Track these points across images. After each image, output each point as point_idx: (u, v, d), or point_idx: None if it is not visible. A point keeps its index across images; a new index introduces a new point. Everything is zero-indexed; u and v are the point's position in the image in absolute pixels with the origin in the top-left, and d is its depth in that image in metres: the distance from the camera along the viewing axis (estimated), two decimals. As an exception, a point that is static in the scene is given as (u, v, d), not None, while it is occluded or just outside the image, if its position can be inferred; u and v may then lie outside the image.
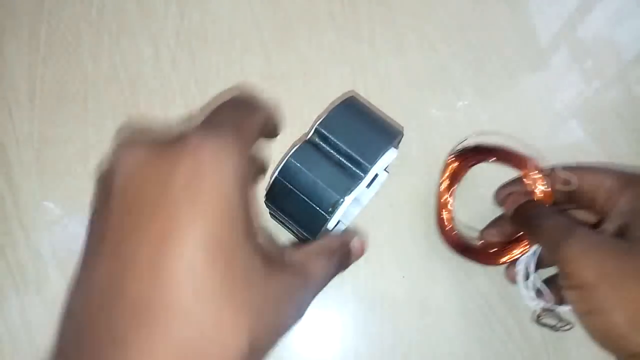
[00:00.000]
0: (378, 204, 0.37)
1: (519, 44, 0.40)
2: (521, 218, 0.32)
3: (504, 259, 0.34)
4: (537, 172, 0.33)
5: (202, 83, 0.39)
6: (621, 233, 0.28)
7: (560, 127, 0.39)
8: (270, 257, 0.20)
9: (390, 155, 0.30)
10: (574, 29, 0.40)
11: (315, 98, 0.39)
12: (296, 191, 0.29)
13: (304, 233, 0.30)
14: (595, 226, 0.31)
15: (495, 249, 0.34)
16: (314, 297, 0.23)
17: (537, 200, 0.33)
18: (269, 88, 0.39)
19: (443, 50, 0.40)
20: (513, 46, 0.40)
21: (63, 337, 0.18)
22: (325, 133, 0.29)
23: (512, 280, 0.33)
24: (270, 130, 0.25)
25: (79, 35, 0.40)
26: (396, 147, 0.33)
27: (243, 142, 0.20)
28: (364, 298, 0.36)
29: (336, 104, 0.30)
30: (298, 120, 0.39)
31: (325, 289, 0.36)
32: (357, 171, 0.29)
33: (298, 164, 0.28)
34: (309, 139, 0.30)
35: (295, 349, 0.36)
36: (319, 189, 0.28)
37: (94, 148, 0.38)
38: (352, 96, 0.32)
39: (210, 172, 0.18)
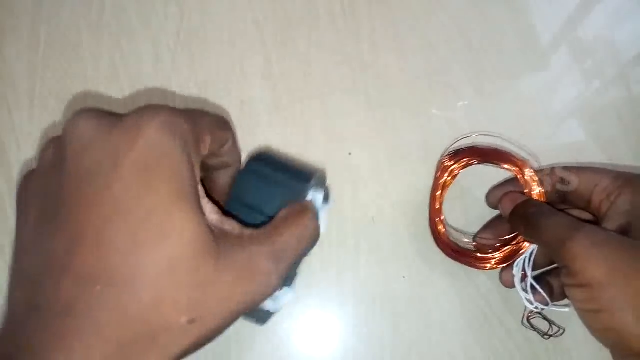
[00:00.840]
0: (378, 205, 0.37)
1: (519, 44, 0.40)
2: (520, 217, 0.31)
3: (497, 260, 0.34)
4: (531, 173, 0.33)
5: (202, 83, 0.39)
6: (622, 232, 0.27)
7: (560, 127, 0.39)
8: (225, 233, 0.21)
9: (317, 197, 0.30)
10: (574, 29, 0.40)
11: (315, 98, 0.39)
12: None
13: None
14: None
15: (490, 252, 0.34)
16: (290, 262, 0.23)
17: (535, 200, 0.33)
18: (269, 88, 0.39)
19: (443, 50, 0.40)
20: (513, 46, 0.40)
21: (14, 301, 0.19)
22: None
23: (507, 284, 0.33)
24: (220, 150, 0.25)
25: (79, 35, 0.40)
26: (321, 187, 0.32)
27: (192, 123, 0.20)
28: (364, 298, 0.36)
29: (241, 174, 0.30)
30: (298, 120, 0.39)
31: (325, 289, 0.36)
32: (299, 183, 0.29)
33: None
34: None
35: (295, 349, 0.36)
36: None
37: (94, 148, 0.38)
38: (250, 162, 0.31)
39: (159, 146, 0.19)
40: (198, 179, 0.21)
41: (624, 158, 0.38)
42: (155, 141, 0.19)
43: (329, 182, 0.37)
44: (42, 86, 0.39)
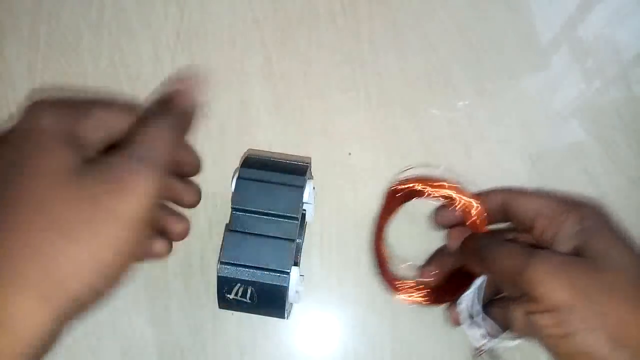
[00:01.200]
0: (379, 205, 0.37)
1: (519, 44, 0.40)
2: (470, 251, 0.31)
3: (445, 296, 0.33)
4: (473, 202, 0.33)
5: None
6: (576, 254, 0.27)
7: (560, 127, 0.39)
8: (93, 162, 0.23)
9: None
10: (574, 28, 0.40)
11: (315, 98, 0.39)
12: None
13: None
14: None
15: (438, 287, 0.33)
16: (164, 156, 0.24)
17: (482, 231, 0.32)
18: (269, 88, 0.39)
19: (443, 50, 0.40)
20: (513, 46, 0.40)
21: None
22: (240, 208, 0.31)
23: (456, 322, 0.31)
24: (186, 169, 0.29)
25: (79, 35, 0.40)
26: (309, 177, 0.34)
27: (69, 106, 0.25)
28: (364, 298, 0.36)
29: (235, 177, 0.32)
30: (298, 120, 0.39)
31: (325, 289, 0.36)
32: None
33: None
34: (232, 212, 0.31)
35: (296, 349, 0.36)
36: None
37: (94, 148, 0.38)
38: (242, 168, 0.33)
39: (32, 123, 0.24)
40: (74, 146, 0.23)
41: (624, 158, 0.38)
42: (29, 120, 0.24)
43: (328, 181, 0.37)
44: (42, 86, 0.39)
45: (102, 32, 0.40)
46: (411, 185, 0.35)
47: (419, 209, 0.36)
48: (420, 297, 0.33)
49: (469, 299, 0.30)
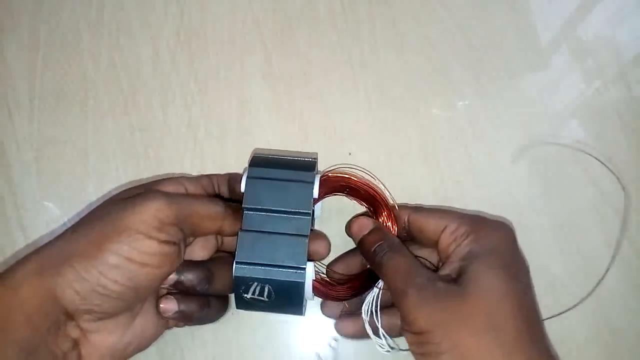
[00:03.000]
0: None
1: (519, 44, 0.40)
2: (366, 251, 0.31)
3: (340, 293, 0.32)
4: (386, 209, 0.33)
5: (202, 83, 0.39)
6: (457, 275, 0.28)
7: (560, 127, 0.39)
8: None
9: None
10: (574, 28, 0.40)
11: (315, 98, 0.39)
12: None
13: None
14: (438, 266, 0.32)
15: (344, 286, 0.33)
16: None
17: (382, 230, 0.32)
18: (269, 88, 0.39)
19: (443, 50, 0.40)
20: (513, 46, 0.40)
21: None
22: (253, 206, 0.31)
23: (348, 333, 0.33)
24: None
25: (79, 35, 0.40)
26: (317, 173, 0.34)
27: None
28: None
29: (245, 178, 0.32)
30: (297, 120, 0.39)
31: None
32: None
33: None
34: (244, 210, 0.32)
35: (296, 349, 0.36)
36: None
37: (94, 148, 0.38)
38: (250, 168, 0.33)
39: None
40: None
41: (624, 158, 0.38)
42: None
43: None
44: (42, 86, 0.39)
45: (102, 32, 0.40)
46: (343, 176, 0.34)
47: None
48: (328, 294, 0.33)
49: (369, 307, 0.32)
